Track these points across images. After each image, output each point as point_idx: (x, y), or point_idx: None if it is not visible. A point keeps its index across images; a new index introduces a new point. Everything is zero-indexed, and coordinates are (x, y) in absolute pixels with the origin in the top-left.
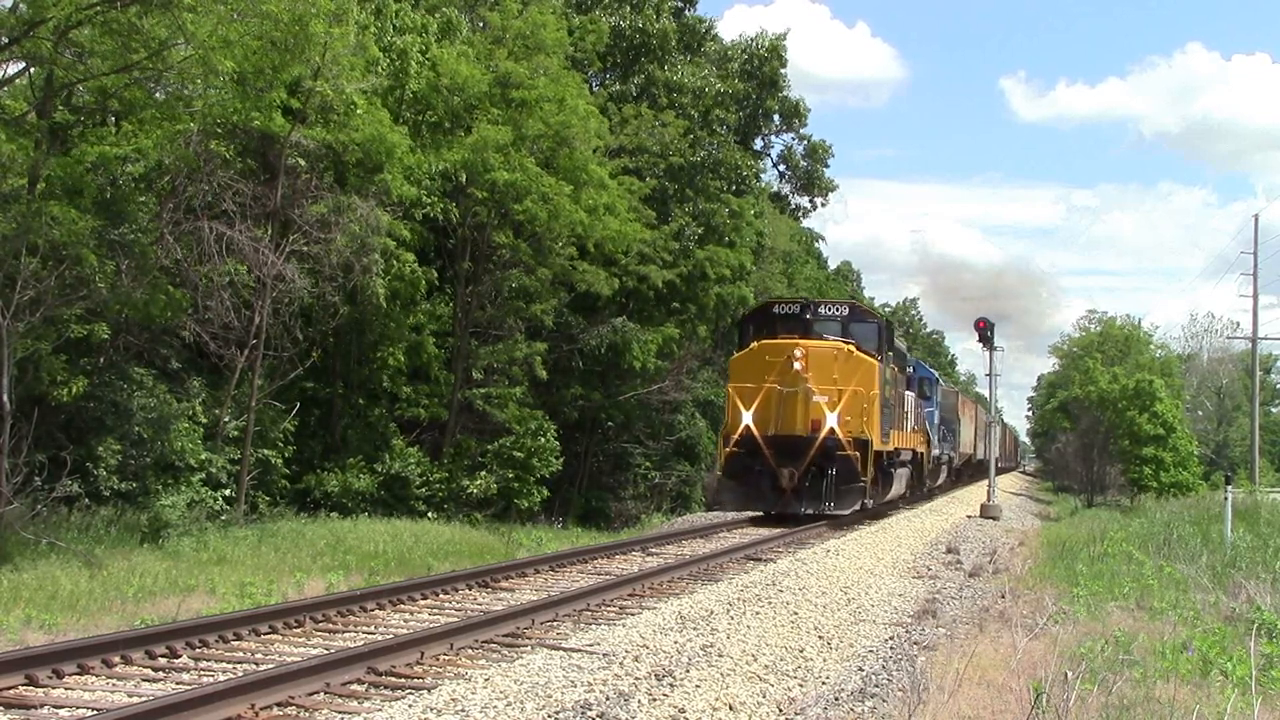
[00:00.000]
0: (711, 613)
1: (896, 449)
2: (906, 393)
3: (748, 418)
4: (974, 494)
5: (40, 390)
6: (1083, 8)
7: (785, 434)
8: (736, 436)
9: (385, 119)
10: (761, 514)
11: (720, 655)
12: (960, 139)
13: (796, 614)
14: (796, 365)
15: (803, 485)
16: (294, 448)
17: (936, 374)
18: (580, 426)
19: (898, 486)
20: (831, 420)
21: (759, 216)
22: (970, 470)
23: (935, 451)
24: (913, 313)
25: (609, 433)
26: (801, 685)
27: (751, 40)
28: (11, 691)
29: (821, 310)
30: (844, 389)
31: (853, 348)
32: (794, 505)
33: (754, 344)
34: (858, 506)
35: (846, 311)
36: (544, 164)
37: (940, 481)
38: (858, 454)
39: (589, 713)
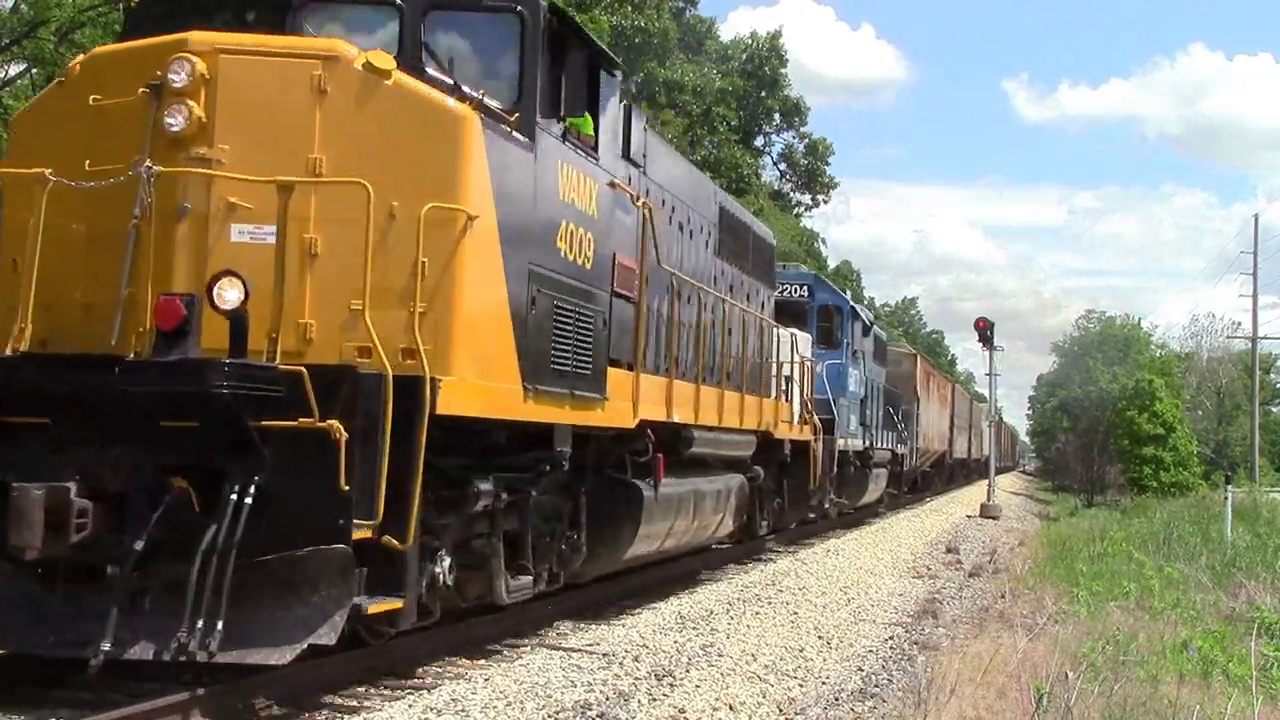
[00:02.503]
0: (711, 613)
1: (682, 424)
2: (785, 332)
3: None
4: (973, 494)
5: None
6: (1086, 9)
7: (81, 356)
8: None
9: None
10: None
11: (720, 655)
12: (963, 140)
13: (796, 614)
14: (174, 120)
15: (97, 543)
16: None
17: (859, 307)
18: None
19: (669, 522)
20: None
21: (759, 214)
22: (945, 473)
23: (854, 442)
24: (912, 312)
25: None
26: (801, 685)
27: (750, 38)
28: None
29: None
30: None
31: (391, 69)
32: (66, 627)
33: (78, 62)
34: (321, 635)
35: None
36: None
37: (871, 497)
38: (360, 429)
39: (589, 713)
